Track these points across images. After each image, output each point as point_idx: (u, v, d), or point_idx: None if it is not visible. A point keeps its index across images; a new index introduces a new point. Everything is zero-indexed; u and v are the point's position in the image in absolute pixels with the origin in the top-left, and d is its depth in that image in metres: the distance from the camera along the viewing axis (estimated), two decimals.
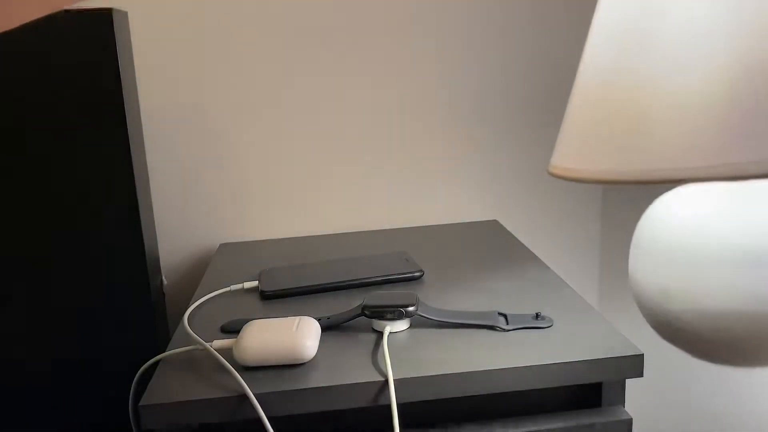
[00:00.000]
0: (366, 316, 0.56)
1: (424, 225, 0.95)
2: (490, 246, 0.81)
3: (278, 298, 0.67)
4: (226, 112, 0.90)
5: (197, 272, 0.94)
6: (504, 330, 0.56)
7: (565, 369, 0.50)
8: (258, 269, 0.77)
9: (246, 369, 0.51)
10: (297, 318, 0.55)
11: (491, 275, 0.70)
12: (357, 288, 0.68)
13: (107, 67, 0.71)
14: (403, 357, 0.52)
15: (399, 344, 0.54)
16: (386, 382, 0.48)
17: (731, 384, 0.70)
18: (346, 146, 0.93)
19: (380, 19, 0.89)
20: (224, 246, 0.90)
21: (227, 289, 0.70)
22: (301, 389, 0.48)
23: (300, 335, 0.51)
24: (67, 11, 0.70)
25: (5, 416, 0.79)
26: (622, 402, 0.53)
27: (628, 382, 0.95)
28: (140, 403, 0.47)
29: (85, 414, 0.80)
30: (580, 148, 0.40)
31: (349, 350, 0.54)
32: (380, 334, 0.56)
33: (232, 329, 0.59)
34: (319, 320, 0.56)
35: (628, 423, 0.51)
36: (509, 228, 0.97)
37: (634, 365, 0.50)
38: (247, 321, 0.58)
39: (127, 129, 0.76)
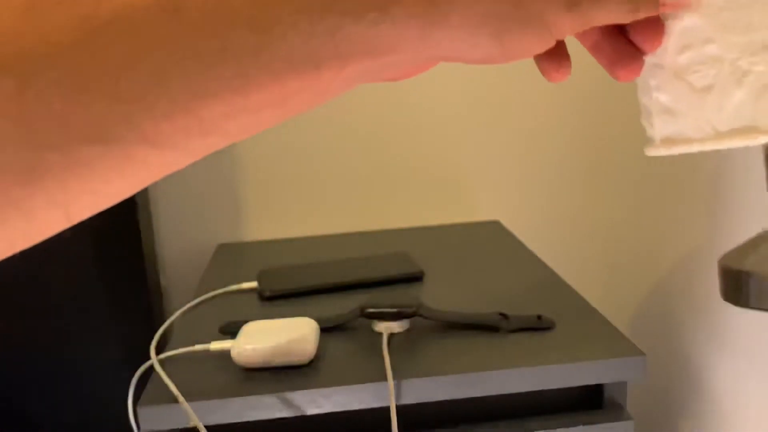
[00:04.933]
0: (366, 317, 0.56)
1: (424, 225, 0.95)
2: (491, 247, 0.80)
3: (277, 298, 0.66)
4: None
5: (196, 272, 0.94)
6: (505, 331, 0.55)
7: (566, 370, 0.49)
8: (257, 269, 0.76)
9: (245, 370, 0.51)
10: (296, 319, 0.55)
11: (492, 276, 0.69)
12: (357, 288, 0.67)
13: None
14: (403, 358, 0.51)
15: (399, 345, 0.54)
16: (386, 383, 0.48)
17: (734, 385, 0.70)
18: (345, 146, 0.92)
19: None
20: (223, 246, 0.89)
21: (226, 289, 0.69)
22: (300, 390, 0.48)
23: (299, 336, 0.51)
24: None
25: (5, 416, 0.78)
26: (624, 403, 0.53)
27: (630, 383, 0.95)
28: (139, 404, 0.47)
29: (84, 414, 0.80)
30: None
31: (348, 351, 0.53)
32: (380, 335, 0.55)
33: (231, 330, 0.58)
34: (318, 321, 0.56)
35: (630, 425, 0.51)
36: (511, 229, 0.97)
37: (636, 367, 0.50)
38: (245, 322, 0.58)
39: None
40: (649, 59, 0.35)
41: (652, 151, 0.38)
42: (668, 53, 0.36)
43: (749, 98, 0.36)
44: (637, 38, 0.32)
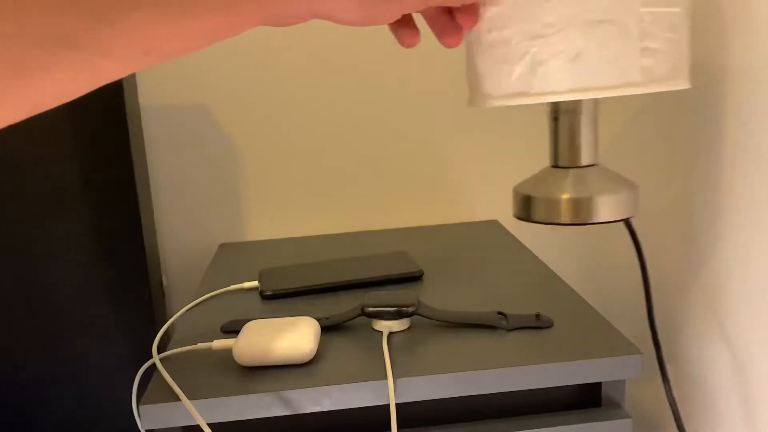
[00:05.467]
0: (366, 316, 0.56)
1: (424, 225, 0.95)
2: (490, 246, 0.81)
3: (278, 298, 0.67)
4: (226, 112, 0.90)
5: (197, 272, 0.94)
6: (504, 330, 0.56)
7: (564, 369, 0.50)
8: (258, 269, 0.77)
9: (246, 368, 0.51)
10: (297, 318, 0.55)
11: (491, 275, 0.70)
12: (357, 288, 0.68)
13: None
14: (403, 357, 0.52)
15: (399, 344, 0.54)
16: (386, 381, 0.48)
17: (732, 382, 0.70)
18: (346, 146, 0.93)
19: None
20: (224, 246, 0.90)
21: (227, 289, 0.70)
22: (300, 389, 0.48)
23: (300, 335, 0.51)
24: None
25: (8, 415, 0.79)
26: (622, 402, 0.53)
27: (628, 381, 0.95)
28: (141, 402, 0.47)
29: (87, 413, 0.81)
30: None
31: (348, 350, 0.54)
32: (380, 334, 0.56)
33: (232, 329, 0.59)
34: (319, 320, 0.56)
35: (628, 423, 0.51)
36: (509, 228, 0.97)
37: (633, 365, 0.50)
38: (247, 321, 0.58)
39: (127, 129, 0.76)
40: (469, 35, 0.49)
41: (470, 104, 0.53)
42: (481, 32, 0.49)
43: (526, 71, 0.49)
44: (459, 18, 0.45)
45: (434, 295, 0.65)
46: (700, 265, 0.75)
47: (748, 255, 0.66)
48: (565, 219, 0.57)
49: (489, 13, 0.47)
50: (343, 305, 0.63)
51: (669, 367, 0.83)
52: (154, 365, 0.52)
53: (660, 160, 0.82)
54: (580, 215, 0.57)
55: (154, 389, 0.49)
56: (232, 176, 0.92)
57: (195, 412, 0.46)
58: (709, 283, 0.73)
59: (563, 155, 0.59)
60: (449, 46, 0.46)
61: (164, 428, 0.49)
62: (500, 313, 0.58)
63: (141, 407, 0.47)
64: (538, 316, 0.57)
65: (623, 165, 0.93)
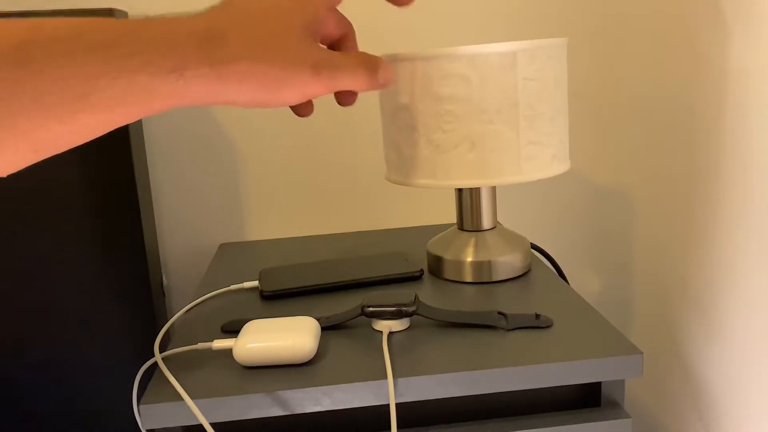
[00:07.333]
0: (366, 315, 0.56)
1: (423, 225, 0.95)
2: None
3: (278, 298, 0.67)
4: (226, 111, 0.90)
5: (197, 272, 0.94)
6: (504, 329, 0.56)
7: (564, 368, 0.50)
8: (258, 269, 0.77)
9: (246, 368, 0.51)
10: (297, 318, 0.55)
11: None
12: (357, 288, 0.68)
13: None
14: (403, 357, 0.52)
15: (399, 344, 0.54)
16: (386, 381, 0.48)
17: (732, 384, 0.70)
18: (346, 146, 0.93)
19: (384, 12, 0.89)
20: (224, 246, 0.90)
21: (228, 288, 0.70)
22: (301, 389, 0.48)
23: (300, 335, 0.51)
24: (67, 11, 0.70)
25: (5, 416, 0.79)
26: (622, 401, 0.53)
27: (628, 381, 0.95)
28: (142, 401, 0.47)
29: (88, 412, 0.81)
30: None
31: (348, 350, 0.54)
32: (380, 333, 0.56)
33: (232, 329, 0.59)
34: (319, 320, 0.56)
35: (628, 423, 0.51)
36: (509, 227, 0.97)
37: (633, 365, 0.50)
38: (247, 321, 0.58)
39: (127, 129, 0.76)
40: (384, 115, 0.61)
41: (387, 178, 0.64)
42: (393, 123, 0.58)
43: (431, 156, 0.56)
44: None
45: (434, 295, 0.65)
46: (700, 265, 0.75)
47: (747, 254, 0.66)
48: (468, 279, 0.67)
49: (397, 103, 0.56)
50: (343, 305, 0.63)
51: (669, 367, 0.83)
52: (154, 365, 0.52)
53: (659, 160, 0.82)
54: (482, 276, 0.66)
55: (154, 389, 0.49)
56: (232, 176, 0.92)
57: (197, 411, 0.46)
58: (709, 282, 0.73)
59: (467, 221, 0.68)
60: (345, 105, 0.52)
61: (165, 428, 0.49)
62: (500, 312, 0.58)
63: (141, 407, 0.47)
64: (537, 315, 0.57)
65: (622, 165, 0.93)
